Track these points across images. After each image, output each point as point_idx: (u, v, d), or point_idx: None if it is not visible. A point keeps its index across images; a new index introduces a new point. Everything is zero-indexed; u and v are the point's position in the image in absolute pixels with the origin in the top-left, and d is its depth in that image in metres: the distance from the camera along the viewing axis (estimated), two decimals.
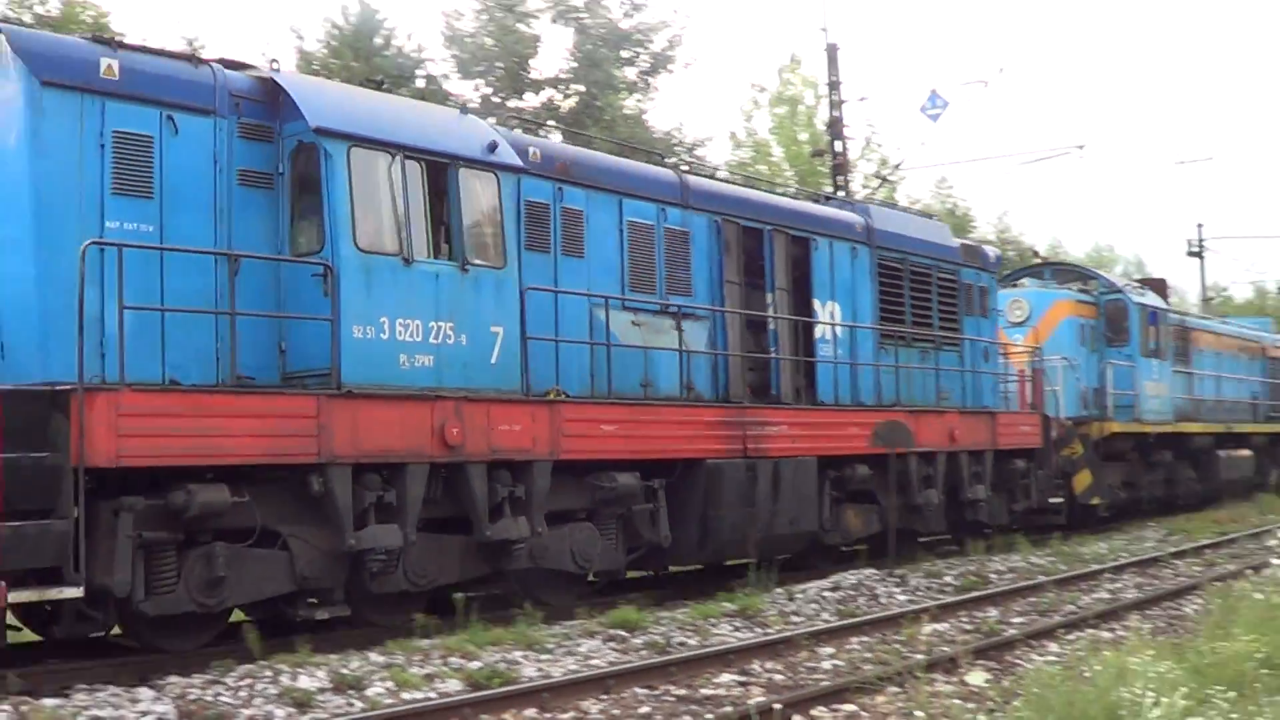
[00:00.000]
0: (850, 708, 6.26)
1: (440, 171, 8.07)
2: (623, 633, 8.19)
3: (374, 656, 7.10)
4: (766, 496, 10.33)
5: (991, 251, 15.25)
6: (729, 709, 5.94)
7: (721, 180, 12.47)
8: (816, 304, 11.67)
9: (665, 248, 10.29)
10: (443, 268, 8.00)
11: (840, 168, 20.49)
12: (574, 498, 9.04)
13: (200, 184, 7.56)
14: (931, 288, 13.27)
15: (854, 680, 6.51)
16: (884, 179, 31.18)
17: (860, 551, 12.12)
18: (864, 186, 28.56)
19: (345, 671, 6.66)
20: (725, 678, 7.05)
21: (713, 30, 51.18)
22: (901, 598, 10.39)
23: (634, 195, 10.13)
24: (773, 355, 11.00)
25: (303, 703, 6.20)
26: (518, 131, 10.15)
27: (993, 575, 11.76)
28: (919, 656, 7.13)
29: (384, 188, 7.78)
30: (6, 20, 12.74)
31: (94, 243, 6.79)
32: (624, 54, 23.45)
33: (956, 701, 5.93)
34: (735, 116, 48.07)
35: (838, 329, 11.81)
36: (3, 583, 6.06)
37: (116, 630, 7.37)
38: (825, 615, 9.48)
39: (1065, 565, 12.57)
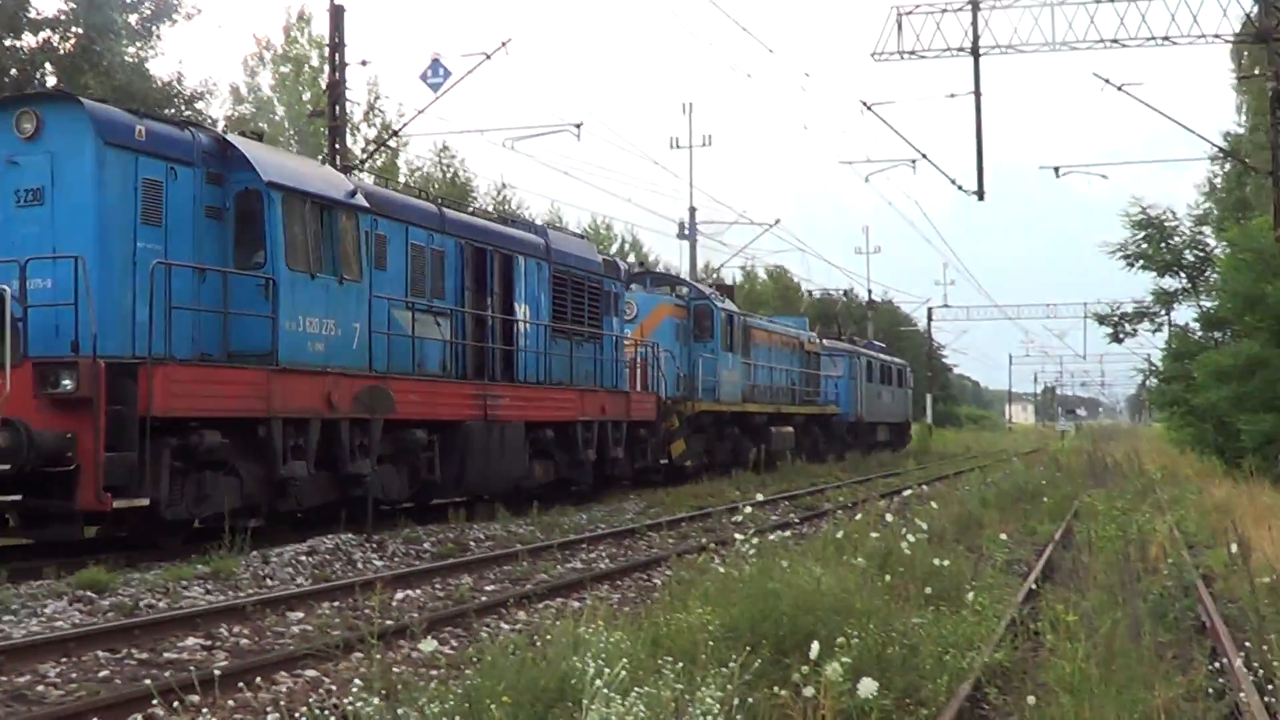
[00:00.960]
0: (312, 673, 6.64)
1: (326, 211, 12.82)
2: (91, 594, 8.75)
3: None
4: (497, 449, 15.96)
5: (622, 264, 22.50)
6: (189, 673, 6.12)
7: (463, 212, 17.82)
8: (516, 306, 17.32)
9: (430, 263, 15.39)
10: (329, 281, 12.83)
11: (338, 130, 21.87)
12: (389, 446, 14.03)
13: (185, 216, 11.89)
14: (585, 294, 19.32)
15: (316, 646, 6.87)
16: (385, 144, 36.30)
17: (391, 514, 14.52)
18: (363, 152, 30.36)
19: None
20: (191, 641, 7.43)
21: None
22: (379, 563, 11.34)
23: (413, 224, 15.16)
24: (489, 346, 16.69)
25: None
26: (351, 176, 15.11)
27: (472, 544, 13.02)
28: (389, 623, 7.72)
29: (299, 223, 12.47)
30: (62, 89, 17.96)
31: (160, 263, 11.19)
32: None
33: (417, 669, 6.50)
34: (240, 71, 49.11)
35: (527, 325, 17.58)
36: (109, 493, 10.22)
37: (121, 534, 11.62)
38: (300, 580, 10.13)
39: (543, 535, 14.07)
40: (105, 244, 11.13)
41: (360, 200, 13.67)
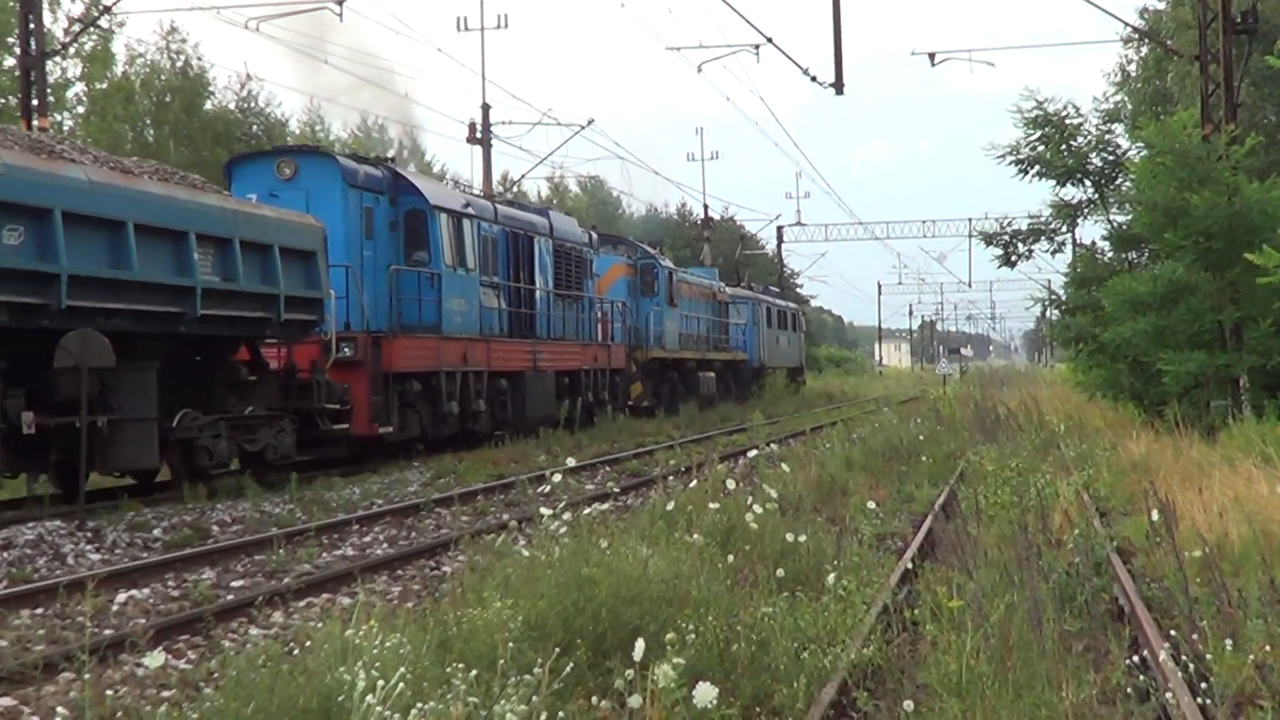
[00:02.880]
0: (8, 701, 6.66)
1: (460, 220, 23.71)
2: None
3: None
4: (542, 392, 26.48)
5: (595, 235, 32.66)
6: None
7: (507, 203, 28.73)
8: (536, 278, 27.61)
9: (490, 249, 25.27)
10: (461, 272, 23.57)
11: (32, 6, 23.93)
12: (485, 389, 24.56)
13: (381, 229, 22.19)
14: (573, 264, 29.61)
15: (11, 668, 7.00)
16: (94, 25, 35.72)
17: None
18: (67, 34, 32.07)
19: None
20: None
21: None
22: (95, 557, 11.74)
23: (482, 219, 24.95)
24: (527, 311, 27.25)
25: None
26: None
27: (215, 528, 13.76)
28: (107, 633, 7.96)
29: (446, 232, 23.10)
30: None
31: (396, 269, 22.26)
32: None
33: (143, 691, 6.63)
34: None
35: (542, 293, 27.96)
36: (374, 424, 20.68)
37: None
38: None
39: (305, 515, 14.74)
40: (348, 253, 21.16)
41: (472, 210, 24.51)
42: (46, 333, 13.86)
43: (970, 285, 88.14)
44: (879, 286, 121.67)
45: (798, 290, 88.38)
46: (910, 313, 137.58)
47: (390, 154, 32.79)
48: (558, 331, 28.77)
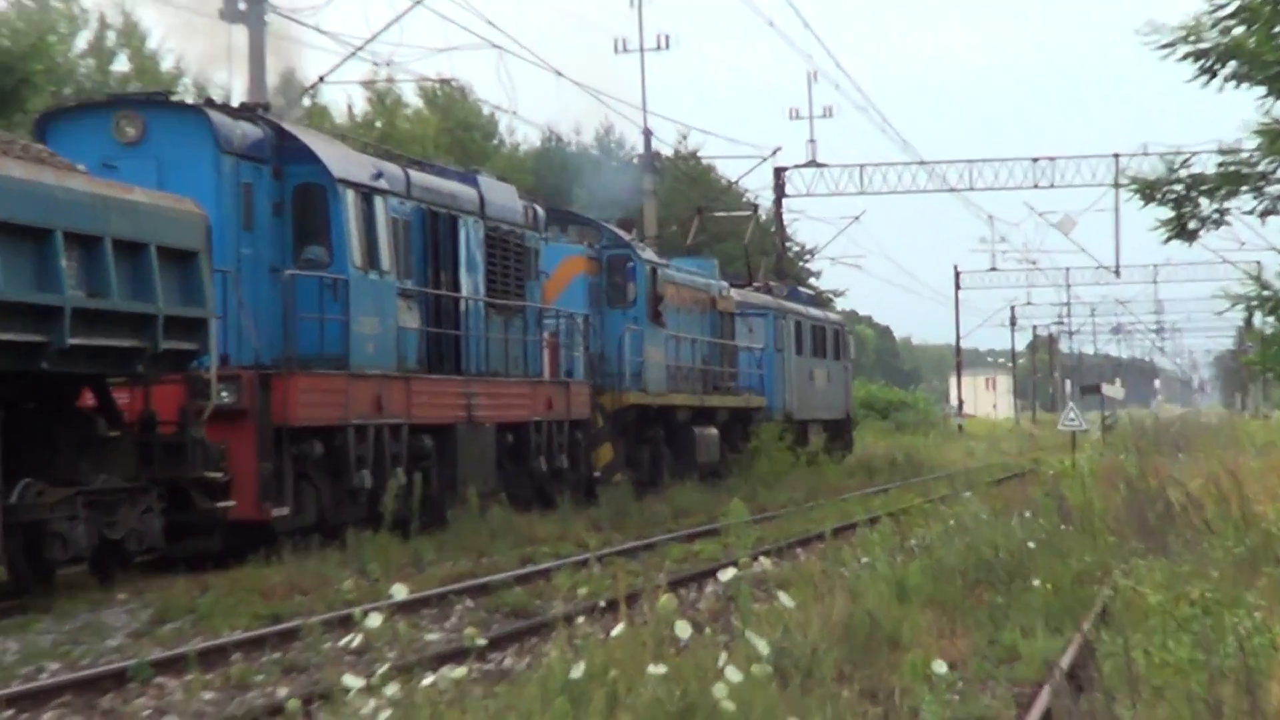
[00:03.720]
0: None
1: (370, 198, 28.06)
2: None
3: None
4: (477, 456, 31.25)
5: (540, 212, 34.90)
6: None
7: (413, 164, 32.74)
8: (462, 279, 31.73)
9: (401, 237, 29.68)
10: (373, 276, 27.94)
11: None
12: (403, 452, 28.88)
13: (262, 215, 27.12)
14: (511, 255, 32.60)
15: None
16: None
17: None
18: None
19: None
20: None
21: None
22: None
23: (390, 192, 28.99)
24: (459, 333, 32.91)
25: None
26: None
27: None
28: None
29: (354, 217, 27.40)
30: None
31: (291, 274, 26.57)
32: None
33: None
34: None
35: (471, 303, 32.19)
36: None
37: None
38: None
39: None
40: (224, 254, 24.77)
41: (384, 182, 28.35)
42: None
43: (1118, 273, 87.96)
44: (955, 275, 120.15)
45: (810, 281, 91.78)
46: (1012, 321, 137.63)
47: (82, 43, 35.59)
48: (494, 362, 32.32)
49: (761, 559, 16.85)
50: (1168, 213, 25.24)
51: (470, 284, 31.51)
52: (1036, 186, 77.18)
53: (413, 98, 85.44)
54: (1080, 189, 78.94)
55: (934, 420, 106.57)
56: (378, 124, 77.74)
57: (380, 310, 27.29)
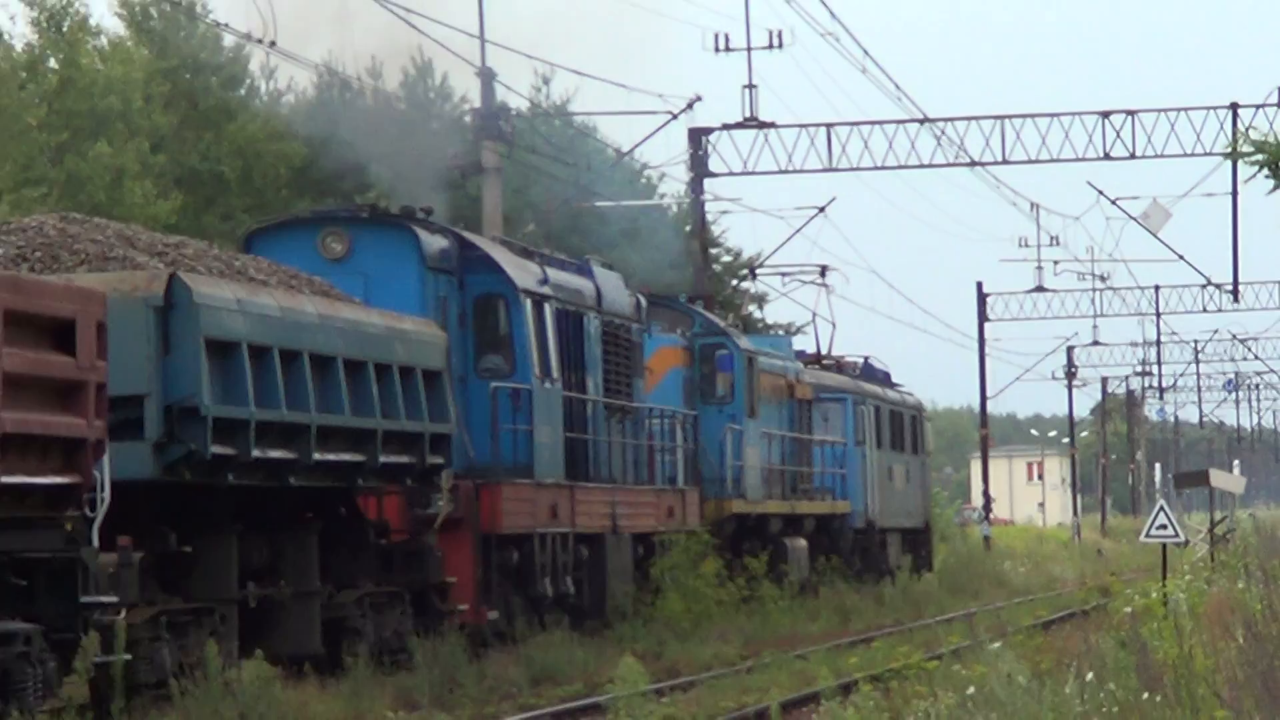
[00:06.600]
0: None
1: (541, 305, 41.23)
2: None
3: None
4: (620, 567, 44.07)
5: (644, 301, 48.72)
6: None
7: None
8: (588, 380, 43.70)
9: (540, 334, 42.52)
10: (547, 385, 40.92)
11: None
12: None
13: (452, 325, 38.99)
14: (622, 352, 45.86)
15: None
16: None
17: None
18: None
19: None
20: None
21: None
22: None
23: (555, 298, 42.52)
24: (593, 438, 44.80)
25: None
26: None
27: None
28: None
29: (532, 326, 40.32)
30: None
31: (496, 387, 39.13)
32: None
33: None
34: None
35: (595, 405, 44.59)
36: None
37: None
38: None
39: None
40: None
41: (549, 288, 40.78)
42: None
43: (1237, 295, 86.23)
44: (979, 300, 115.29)
45: (752, 312, 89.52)
46: (1069, 372, 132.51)
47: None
48: (607, 467, 43.42)
49: None
50: None
51: (592, 384, 42.52)
52: (1108, 157, 71.33)
53: (110, 20, 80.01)
54: (1177, 162, 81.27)
55: (945, 529, 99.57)
56: (51, 63, 72.48)
57: (551, 419, 39.17)
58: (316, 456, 29.77)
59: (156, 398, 27.61)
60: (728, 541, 49.75)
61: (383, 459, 31.18)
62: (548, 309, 38.96)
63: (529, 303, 37.90)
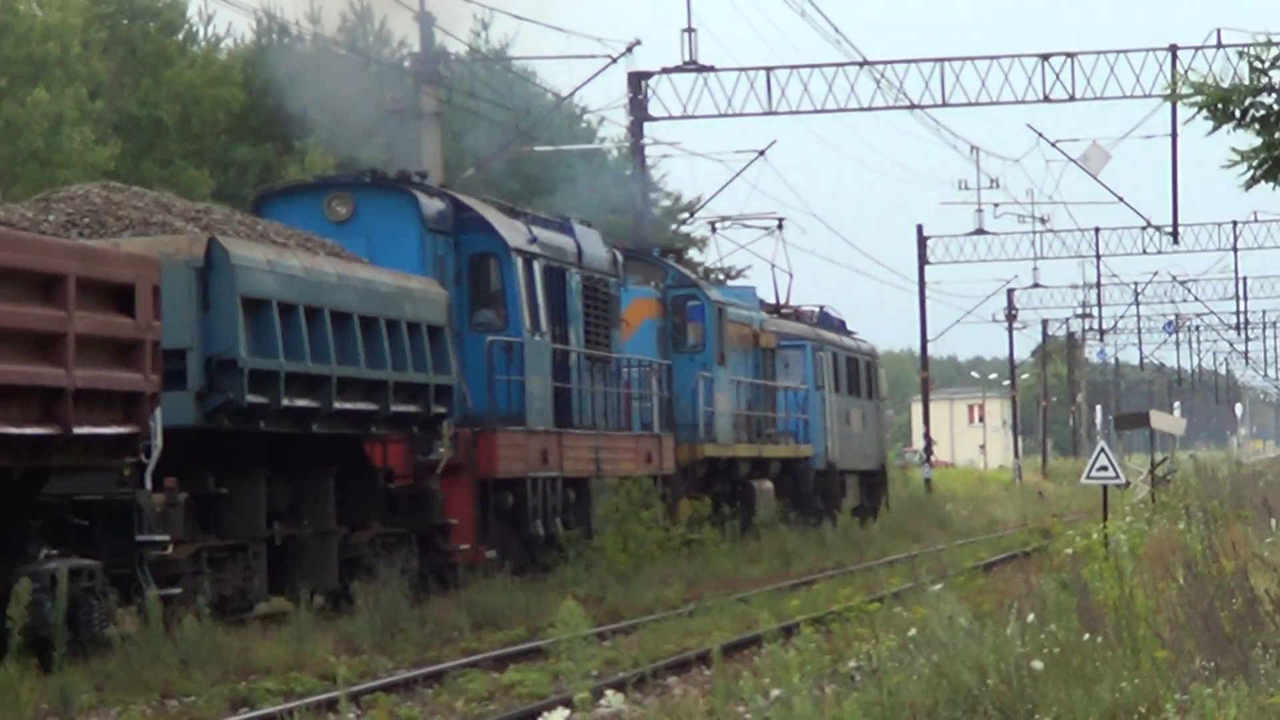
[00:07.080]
0: None
1: (530, 263, 45.06)
2: None
3: None
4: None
5: (620, 256, 52.89)
6: None
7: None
8: (571, 333, 47.42)
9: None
10: (537, 338, 44.63)
11: None
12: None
13: (449, 284, 42.87)
14: (599, 305, 49.25)
15: None
16: None
17: None
18: None
19: None
20: None
21: None
22: None
23: (543, 255, 46.34)
24: (576, 388, 48.30)
25: None
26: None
27: None
28: None
29: (523, 282, 44.17)
30: None
31: (492, 340, 42.86)
32: None
33: None
34: None
35: (577, 356, 48.20)
36: None
37: None
38: None
39: None
40: None
41: (538, 245, 44.47)
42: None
43: (1176, 237, 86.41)
44: (919, 242, 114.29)
45: (694, 255, 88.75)
46: (1009, 314, 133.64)
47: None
48: (590, 415, 46.88)
49: (609, 695, 16.86)
50: (1253, 139, 22.03)
51: (575, 336, 45.76)
52: (1047, 100, 72.24)
53: None
54: (1116, 104, 72.61)
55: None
56: None
57: (541, 369, 42.46)
58: (336, 405, 32.60)
59: (198, 351, 30.39)
60: (701, 481, 53.31)
61: (393, 408, 34.18)
62: (536, 266, 42.06)
63: (519, 260, 41.10)
